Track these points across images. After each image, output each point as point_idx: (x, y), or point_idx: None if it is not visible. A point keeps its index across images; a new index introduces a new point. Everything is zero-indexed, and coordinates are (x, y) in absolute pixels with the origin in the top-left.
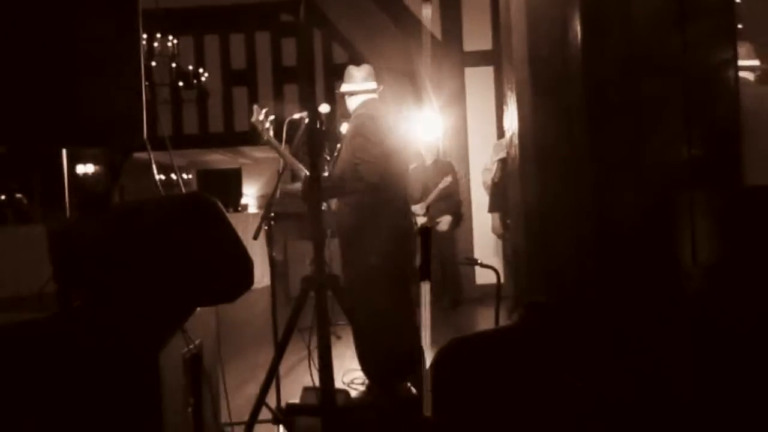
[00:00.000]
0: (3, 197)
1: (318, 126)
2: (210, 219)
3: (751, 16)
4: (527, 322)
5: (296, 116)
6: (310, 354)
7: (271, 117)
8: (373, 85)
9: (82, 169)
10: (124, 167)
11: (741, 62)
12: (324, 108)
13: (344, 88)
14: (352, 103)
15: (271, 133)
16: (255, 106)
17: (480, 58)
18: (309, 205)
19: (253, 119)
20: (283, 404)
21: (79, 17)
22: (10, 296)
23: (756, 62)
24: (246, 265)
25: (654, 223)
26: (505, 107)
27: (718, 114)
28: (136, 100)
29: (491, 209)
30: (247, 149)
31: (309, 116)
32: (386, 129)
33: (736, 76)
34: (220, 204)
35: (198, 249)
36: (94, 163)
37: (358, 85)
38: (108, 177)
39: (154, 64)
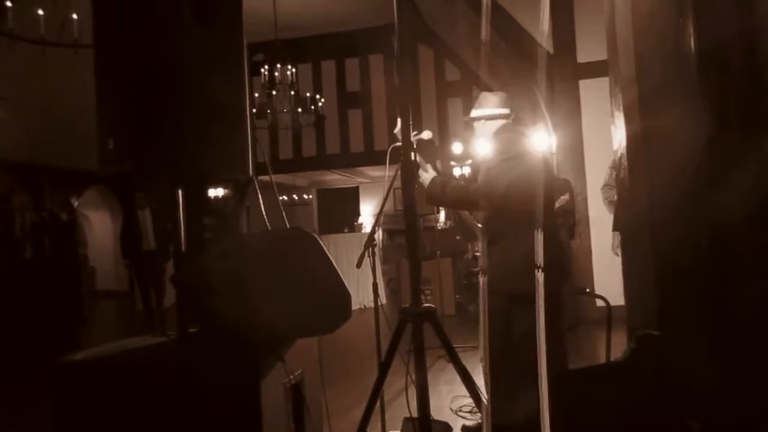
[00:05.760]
0: None
1: (413, 155)
2: (309, 254)
3: None
4: (638, 358)
5: (398, 144)
6: (407, 384)
7: (416, 133)
8: (505, 111)
9: (213, 192)
10: (248, 190)
11: None
12: (426, 134)
13: (476, 113)
14: (486, 129)
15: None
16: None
17: (595, 69)
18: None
19: (396, 131)
20: None
21: (195, 77)
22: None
23: None
24: (343, 298)
25: None
26: (612, 127)
27: None
28: (243, 142)
29: (616, 227)
30: (364, 169)
31: (402, 144)
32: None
33: None
34: (319, 239)
35: (297, 283)
36: (224, 187)
37: (491, 110)
38: (235, 199)
39: (275, 93)
